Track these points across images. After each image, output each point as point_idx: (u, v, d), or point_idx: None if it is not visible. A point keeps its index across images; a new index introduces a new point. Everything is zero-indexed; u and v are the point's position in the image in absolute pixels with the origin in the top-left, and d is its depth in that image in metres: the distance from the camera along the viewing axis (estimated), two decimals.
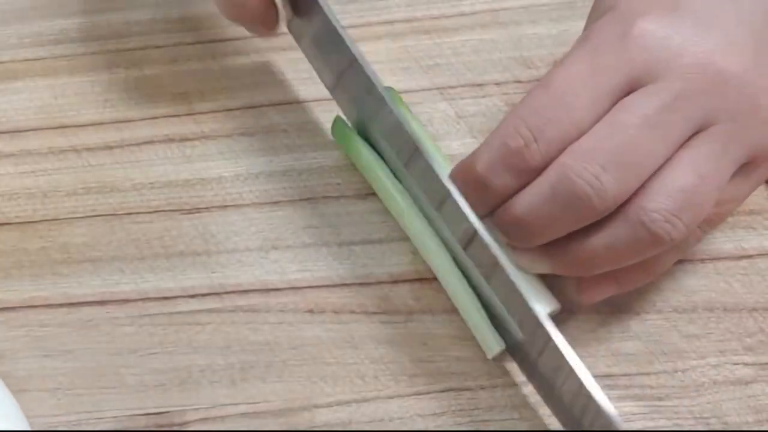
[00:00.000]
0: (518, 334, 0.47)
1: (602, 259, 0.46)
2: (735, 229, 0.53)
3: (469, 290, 0.49)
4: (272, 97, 0.57)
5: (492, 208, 0.48)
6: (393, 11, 0.60)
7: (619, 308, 0.51)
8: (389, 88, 0.55)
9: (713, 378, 0.49)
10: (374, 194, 0.54)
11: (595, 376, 0.49)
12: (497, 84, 0.57)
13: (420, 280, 0.52)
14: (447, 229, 0.49)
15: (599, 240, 0.46)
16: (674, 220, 0.45)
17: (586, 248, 0.46)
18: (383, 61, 0.57)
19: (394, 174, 0.52)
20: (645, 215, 0.45)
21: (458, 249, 0.49)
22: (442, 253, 0.50)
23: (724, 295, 0.51)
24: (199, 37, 0.60)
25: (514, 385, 0.50)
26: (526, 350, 0.47)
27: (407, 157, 0.49)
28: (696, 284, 0.51)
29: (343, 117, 0.55)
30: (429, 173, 0.48)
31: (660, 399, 0.49)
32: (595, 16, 0.50)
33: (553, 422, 0.49)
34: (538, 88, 0.47)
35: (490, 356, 0.49)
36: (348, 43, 0.50)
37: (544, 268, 0.48)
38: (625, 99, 0.46)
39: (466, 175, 0.47)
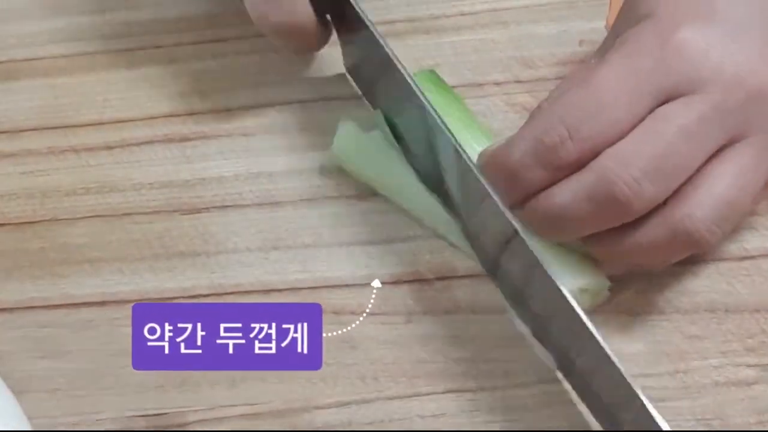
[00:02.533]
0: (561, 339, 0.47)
1: (638, 255, 0.48)
2: (737, 230, 0.52)
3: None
4: (272, 97, 0.57)
5: (521, 200, 0.49)
6: (393, 11, 0.59)
7: (621, 309, 0.51)
8: (431, 71, 0.55)
9: (715, 379, 0.49)
10: (375, 194, 0.54)
11: None
12: (497, 84, 0.57)
13: (420, 280, 0.52)
14: (486, 225, 0.49)
15: (638, 238, 0.48)
16: (714, 228, 0.47)
17: (624, 244, 0.48)
18: None
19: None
20: (690, 223, 0.47)
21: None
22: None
23: (726, 296, 0.51)
24: (198, 37, 0.60)
25: (514, 386, 0.50)
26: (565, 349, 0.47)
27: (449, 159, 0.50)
28: (698, 285, 0.51)
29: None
30: (469, 174, 0.49)
31: (662, 400, 0.49)
32: (626, 22, 0.51)
33: (553, 424, 0.49)
34: (576, 87, 0.48)
35: None
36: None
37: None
38: (665, 107, 0.47)
39: (497, 166, 0.49)
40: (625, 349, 0.50)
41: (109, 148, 0.57)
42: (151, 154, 0.56)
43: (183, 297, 0.52)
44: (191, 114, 0.57)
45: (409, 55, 0.58)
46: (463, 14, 0.59)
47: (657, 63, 0.47)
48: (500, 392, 0.49)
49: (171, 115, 0.57)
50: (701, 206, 0.47)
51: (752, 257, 0.52)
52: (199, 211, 0.55)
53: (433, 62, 0.57)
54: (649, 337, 0.50)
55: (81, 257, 0.54)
